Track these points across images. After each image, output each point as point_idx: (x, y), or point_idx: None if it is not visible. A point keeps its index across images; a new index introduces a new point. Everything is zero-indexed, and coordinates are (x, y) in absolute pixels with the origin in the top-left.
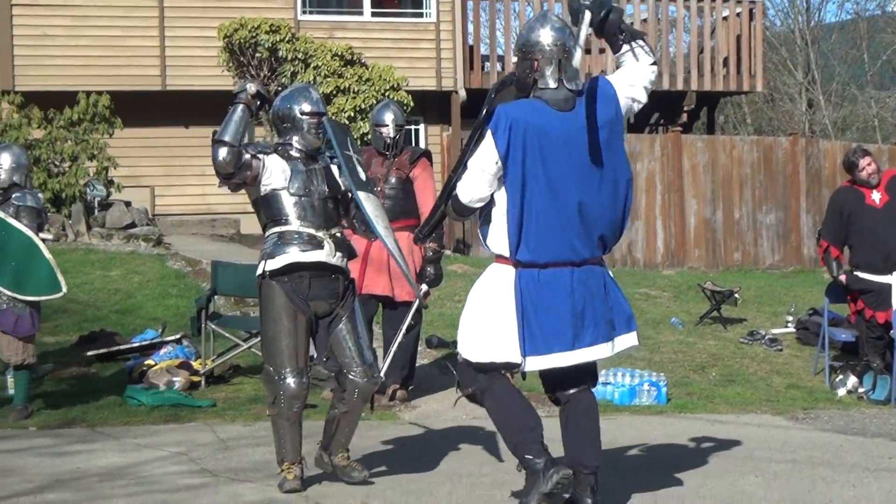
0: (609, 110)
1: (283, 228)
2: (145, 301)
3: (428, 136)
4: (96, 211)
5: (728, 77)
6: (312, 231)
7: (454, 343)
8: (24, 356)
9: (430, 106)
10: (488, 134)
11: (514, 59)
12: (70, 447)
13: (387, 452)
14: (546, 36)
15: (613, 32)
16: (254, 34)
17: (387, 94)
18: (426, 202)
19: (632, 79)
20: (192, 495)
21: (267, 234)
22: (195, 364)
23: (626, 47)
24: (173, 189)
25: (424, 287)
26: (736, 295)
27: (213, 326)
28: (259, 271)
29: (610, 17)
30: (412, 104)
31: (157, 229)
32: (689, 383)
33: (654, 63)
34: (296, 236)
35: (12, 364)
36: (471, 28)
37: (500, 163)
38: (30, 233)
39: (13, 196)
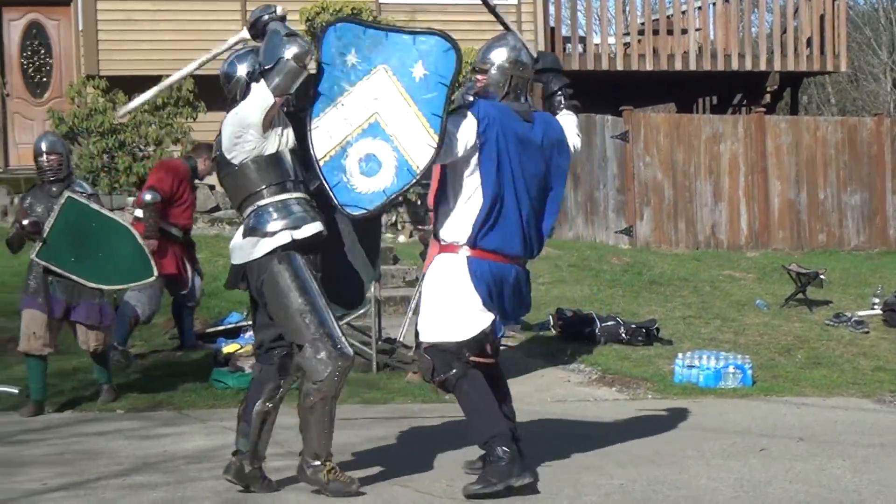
0: (559, 133)
1: (288, 195)
2: None
3: None
4: None
5: (811, 57)
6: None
7: (538, 326)
8: (106, 342)
9: None
10: (469, 113)
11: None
12: (157, 430)
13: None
14: (526, 57)
15: (560, 101)
16: (336, 17)
17: (468, 75)
18: None
19: (570, 129)
20: (278, 477)
21: (267, 201)
22: None
23: (565, 110)
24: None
25: None
26: (822, 276)
27: None
28: (272, 245)
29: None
30: None
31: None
32: (774, 366)
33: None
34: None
35: (92, 351)
36: (552, 9)
37: (475, 139)
38: (122, 220)
39: (74, 185)
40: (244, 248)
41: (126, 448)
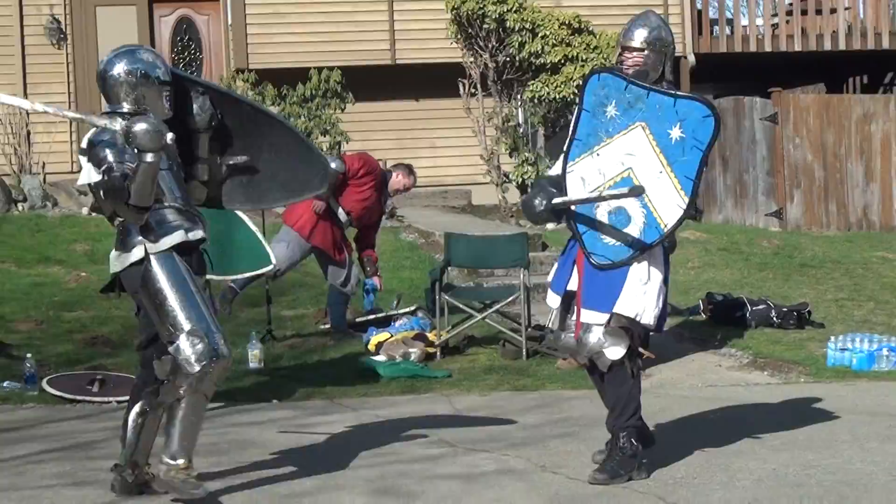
0: None
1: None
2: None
3: None
4: None
5: None
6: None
7: (688, 311)
8: None
9: None
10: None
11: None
12: (309, 419)
13: None
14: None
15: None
16: (481, 5)
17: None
18: None
19: None
20: (431, 465)
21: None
22: (430, 335)
23: None
24: (405, 161)
25: None
26: None
27: (447, 298)
28: (134, 258)
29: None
30: None
31: (390, 202)
32: None
33: None
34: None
35: None
36: None
37: None
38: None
39: None
40: (113, 261)
41: (279, 437)
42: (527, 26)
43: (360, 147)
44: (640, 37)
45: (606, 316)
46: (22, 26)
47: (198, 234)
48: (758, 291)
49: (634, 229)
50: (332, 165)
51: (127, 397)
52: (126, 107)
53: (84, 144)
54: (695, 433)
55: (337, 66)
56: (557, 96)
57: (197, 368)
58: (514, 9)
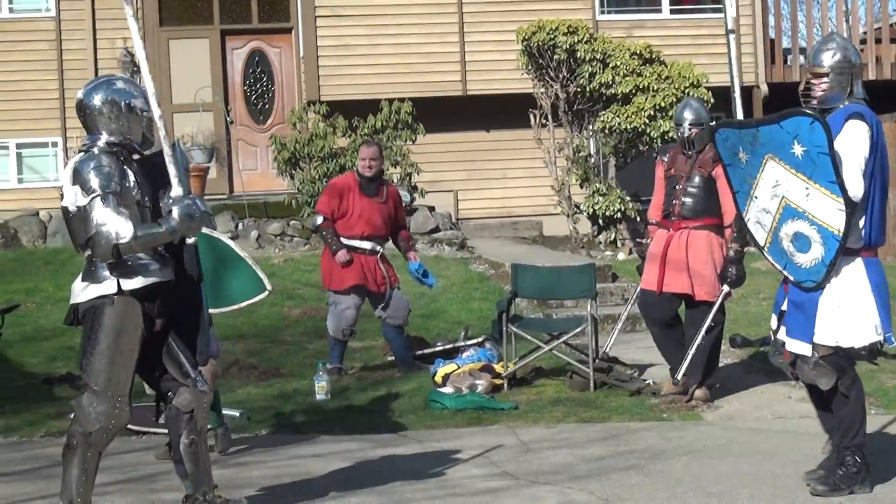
0: None
1: None
2: (449, 304)
3: None
4: None
5: None
6: None
7: (759, 342)
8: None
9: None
10: (861, 126)
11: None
12: (374, 451)
13: (688, 453)
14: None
15: None
16: (552, 36)
17: (686, 91)
18: (729, 201)
19: None
20: (492, 498)
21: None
22: (497, 367)
23: None
24: (475, 192)
25: (726, 288)
26: None
27: (514, 329)
28: (99, 292)
29: None
30: (712, 100)
31: (461, 233)
32: None
33: None
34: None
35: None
36: (772, 21)
37: (869, 149)
38: (220, 235)
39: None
40: (76, 291)
41: (345, 470)
42: (597, 56)
43: (431, 178)
44: (825, 61)
45: (808, 346)
46: (96, 59)
47: (169, 275)
48: None
49: (817, 247)
50: (315, 222)
51: None
52: (105, 136)
53: (69, 171)
54: (762, 466)
55: (408, 97)
56: (629, 126)
57: (95, 427)
58: (585, 39)
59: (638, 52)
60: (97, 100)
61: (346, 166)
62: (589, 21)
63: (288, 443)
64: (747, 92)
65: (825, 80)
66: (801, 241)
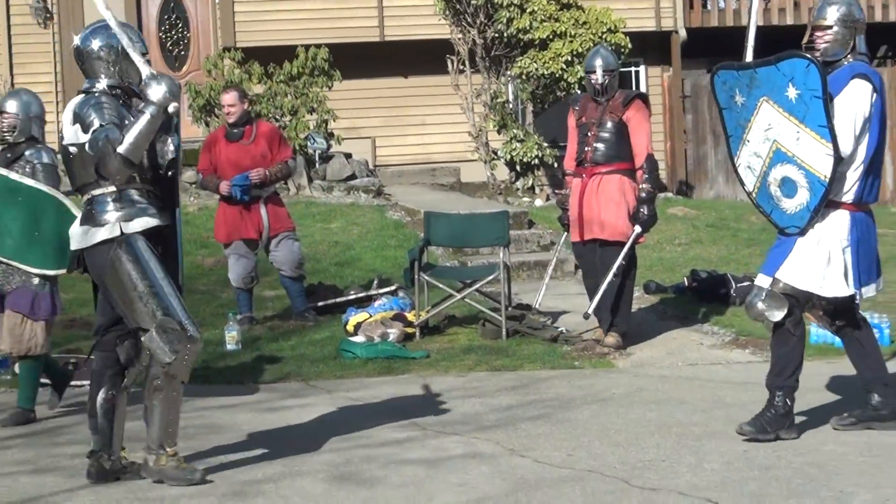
0: None
1: (128, 186)
2: (364, 252)
3: (648, 77)
4: (317, 164)
5: None
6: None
7: (673, 288)
8: (29, 344)
9: (650, 47)
10: (866, 86)
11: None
12: (282, 402)
13: (597, 401)
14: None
15: None
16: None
17: (604, 36)
18: (640, 143)
19: None
20: (399, 449)
21: (102, 191)
22: (410, 315)
23: None
24: (393, 139)
25: (637, 228)
26: None
27: (426, 277)
28: (104, 236)
29: None
30: (629, 46)
31: (378, 180)
32: None
33: None
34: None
35: (14, 354)
36: None
37: (870, 109)
38: (56, 193)
39: (27, 153)
40: (79, 236)
41: (250, 421)
42: (515, 2)
43: (349, 125)
44: (830, 15)
45: (769, 279)
46: (8, 5)
47: (167, 219)
48: (744, 268)
49: (803, 192)
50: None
51: None
52: (105, 80)
53: (69, 113)
54: (669, 414)
55: (324, 43)
56: (546, 72)
57: (171, 357)
58: None
59: None
60: (95, 45)
61: (261, 113)
62: None
63: (196, 394)
64: (666, 37)
65: (829, 32)
66: (789, 186)
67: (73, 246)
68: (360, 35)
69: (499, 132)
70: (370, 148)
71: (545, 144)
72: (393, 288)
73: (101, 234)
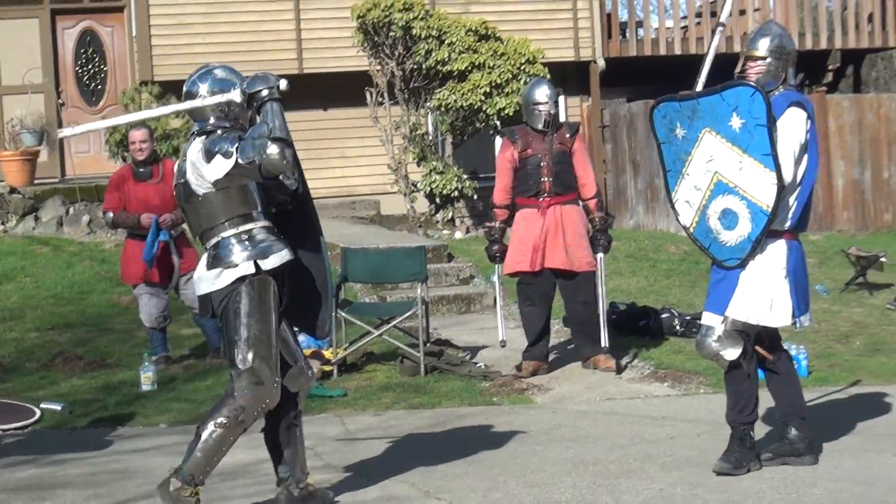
0: None
1: (252, 225)
2: None
3: (568, 107)
4: None
5: (873, 33)
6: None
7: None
8: None
9: (569, 77)
10: (802, 114)
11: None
12: None
13: (515, 439)
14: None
15: None
16: (387, 13)
17: (522, 67)
18: (590, 174)
19: None
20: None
21: (230, 232)
22: (327, 353)
23: None
24: (313, 172)
25: (601, 255)
26: (882, 259)
27: (343, 314)
28: (238, 274)
29: None
30: (548, 77)
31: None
32: (831, 354)
33: None
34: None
35: None
36: None
37: (806, 137)
38: None
39: None
40: (208, 279)
41: (163, 465)
42: (433, 34)
43: None
44: (762, 45)
45: (719, 318)
46: None
47: (291, 254)
48: (663, 300)
49: (744, 223)
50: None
51: (14, 424)
52: (212, 122)
53: (199, 155)
54: (587, 451)
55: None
56: (465, 104)
57: (251, 405)
58: (420, 16)
59: (474, 28)
60: (203, 89)
61: (179, 148)
62: None
63: (110, 437)
64: (585, 66)
65: (761, 63)
66: (729, 218)
67: (203, 290)
68: (279, 68)
69: (418, 164)
70: None
71: (465, 176)
72: None
73: (238, 273)
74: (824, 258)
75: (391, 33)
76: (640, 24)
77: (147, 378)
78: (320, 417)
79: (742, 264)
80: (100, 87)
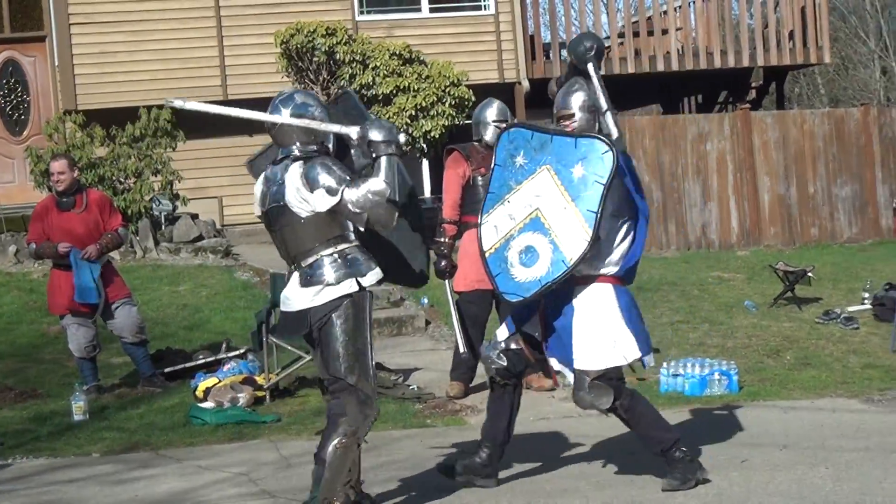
0: None
1: (346, 245)
2: (213, 315)
3: None
4: (163, 226)
5: (794, 50)
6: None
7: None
8: None
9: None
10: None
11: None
12: (131, 473)
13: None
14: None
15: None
16: (310, 38)
17: (447, 90)
18: None
19: None
20: None
21: (328, 251)
22: (259, 379)
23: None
24: (240, 199)
25: None
26: (809, 274)
27: (274, 340)
28: (339, 293)
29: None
30: (473, 99)
31: (226, 240)
32: (762, 369)
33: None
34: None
35: None
36: (531, 16)
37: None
38: None
39: None
40: (305, 296)
41: (97, 495)
42: (357, 58)
43: (195, 185)
44: (573, 104)
45: (572, 374)
46: None
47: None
48: None
49: (542, 265)
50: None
51: None
52: (298, 147)
53: (301, 181)
54: (521, 472)
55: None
56: None
57: (363, 421)
58: (344, 41)
59: (398, 52)
60: (285, 115)
61: (105, 176)
62: (349, 22)
63: (42, 468)
64: (509, 88)
65: (574, 120)
66: (530, 255)
67: (295, 307)
68: (204, 94)
69: None
70: (217, 207)
71: None
72: (241, 351)
73: (340, 290)
74: (752, 273)
75: (315, 58)
76: (563, 45)
77: (79, 408)
78: (254, 443)
79: (522, 302)
80: (23, 116)
